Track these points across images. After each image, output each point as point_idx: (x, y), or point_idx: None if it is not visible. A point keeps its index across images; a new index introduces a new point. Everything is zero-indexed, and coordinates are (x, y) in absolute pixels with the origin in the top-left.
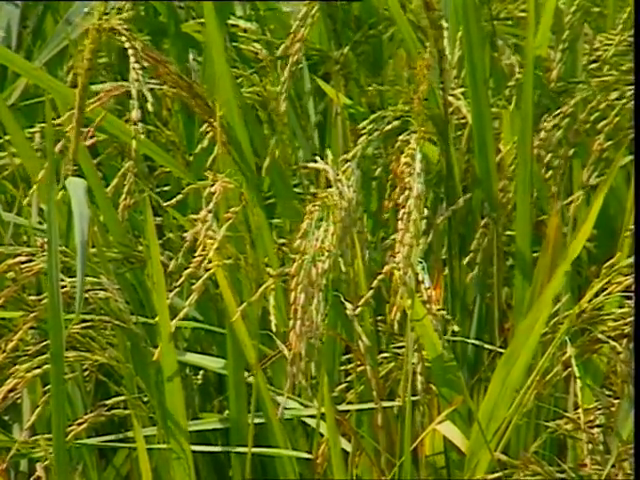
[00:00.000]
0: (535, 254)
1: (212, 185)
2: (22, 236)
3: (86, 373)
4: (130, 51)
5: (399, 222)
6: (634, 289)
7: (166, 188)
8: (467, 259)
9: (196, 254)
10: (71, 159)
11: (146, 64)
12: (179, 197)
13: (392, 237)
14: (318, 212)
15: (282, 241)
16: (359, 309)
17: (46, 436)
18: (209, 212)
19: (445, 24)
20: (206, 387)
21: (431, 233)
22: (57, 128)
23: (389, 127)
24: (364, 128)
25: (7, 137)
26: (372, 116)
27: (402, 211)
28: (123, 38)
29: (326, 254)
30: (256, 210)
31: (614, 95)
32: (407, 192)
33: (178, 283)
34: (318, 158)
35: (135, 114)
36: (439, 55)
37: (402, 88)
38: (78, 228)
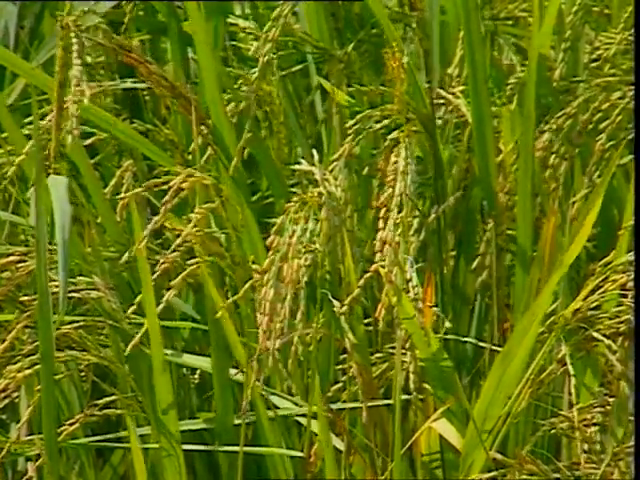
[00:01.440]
0: (535, 253)
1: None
2: (20, 235)
3: (82, 373)
4: (74, 47)
5: (380, 220)
6: (634, 287)
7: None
8: (475, 264)
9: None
10: (52, 156)
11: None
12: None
13: (377, 236)
14: (295, 209)
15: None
16: (346, 307)
17: (40, 435)
18: (170, 206)
19: (416, 25)
20: (203, 386)
21: (423, 232)
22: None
23: (378, 125)
24: (351, 127)
25: (4, 135)
26: (358, 115)
27: (383, 209)
28: (71, 34)
29: (303, 250)
30: (240, 208)
31: (616, 95)
32: (390, 190)
33: (153, 277)
34: (305, 159)
35: (72, 109)
36: (425, 54)
37: (393, 88)
38: (59, 225)
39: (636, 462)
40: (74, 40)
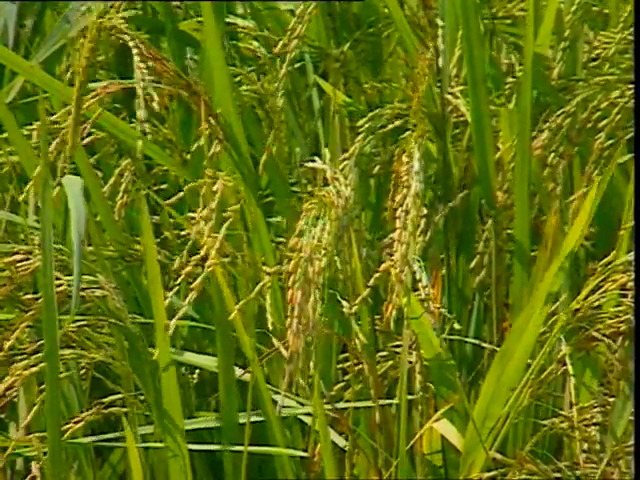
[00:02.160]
0: (534, 252)
1: (213, 184)
2: (20, 234)
3: (83, 371)
4: (135, 50)
5: (396, 220)
6: (634, 287)
7: (164, 186)
8: (473, 263)
9: (196, 253)
10: (68, 157)
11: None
12: (178, 196)
13: (390, 235)
14: (315, 210)
15: (279, 239)
16: (355, 307)
17: (41, 435)
18: (212, 211)
19: (441, 22)
20: (202, 386)
21: (429, 231)
22: (54, 126)
23: (391, 126)
24: (362, 126)
25: (4, 135)
26: (370, 114)
27: (400, 209)
28: (127, 37)
29: (323, 252)
30: (253, 208)
31: (615, 94)
32: (405, 190)
33: (177, 282)
34: (316, 157)
35: (141, 114)
36: (436, 53)
37: (400, 86)
38: (75, 226)
39: (636, 462)
40: (131, 43)
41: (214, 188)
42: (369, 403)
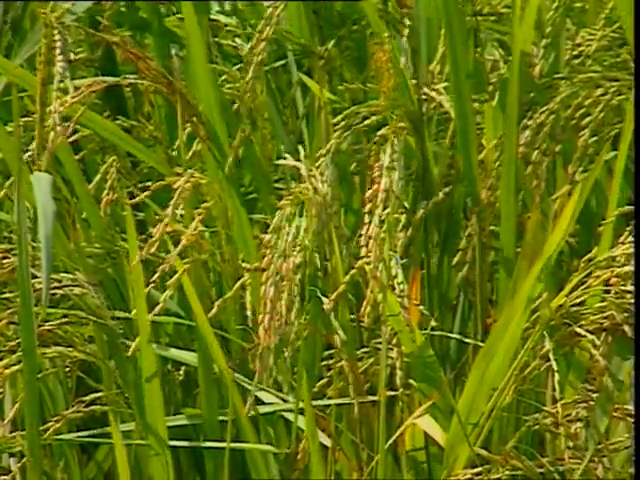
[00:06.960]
0: (518, 249)
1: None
2: (3, 232)
3: (67, 369)
4: (58, 43)
5: (365, 216)
6: (634, 282)
7: (149, 183)
8: (456, 259)
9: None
10: (36, 152)
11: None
12: (147, 193)
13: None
14: (290, 207)
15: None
16: (332, 303)
17: (23, 432)
18: (175, 208)
19: (408, 22)
20: (188, 382)
21: (410, 228)
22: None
23: (367, 122)
24: (338, 123)
25: None
26: (345, 112)
27: (368, 205)
28: (55, 31)
29: (298, 248)
30: (235, 205)
31: (599, 92)
32: (375, 186)
33: (153, 279)
34: (289, 155)
35: (55, 106)
36: (412, 51)
37: (378, 83)
38: (42, 222)
39: (636, 461)
40: (57, 37)
41: (176, 185)
42: (349, 400)
